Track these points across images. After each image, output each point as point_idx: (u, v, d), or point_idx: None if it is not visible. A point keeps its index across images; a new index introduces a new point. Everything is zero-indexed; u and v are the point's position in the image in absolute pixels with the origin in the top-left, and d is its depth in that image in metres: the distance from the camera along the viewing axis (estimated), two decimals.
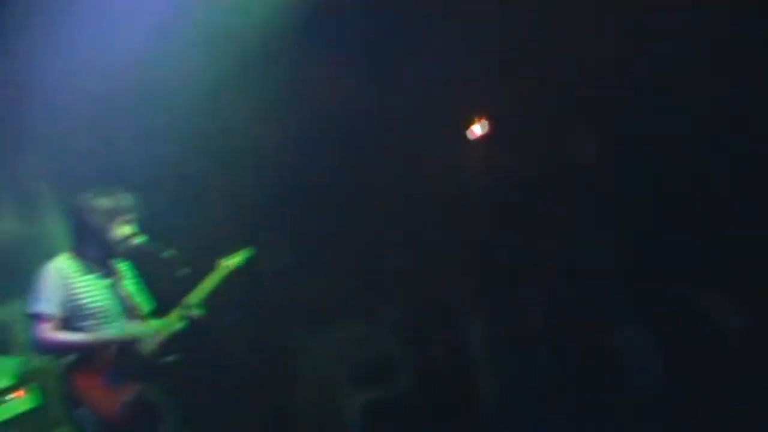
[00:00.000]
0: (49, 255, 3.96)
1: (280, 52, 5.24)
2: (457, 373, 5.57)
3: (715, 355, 4.57)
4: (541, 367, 5.31)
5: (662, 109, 4.79)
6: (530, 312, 5.52)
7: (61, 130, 5.08)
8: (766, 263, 4.43)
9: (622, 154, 5.15)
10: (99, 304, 3.90)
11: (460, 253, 5.65)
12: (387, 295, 5.82)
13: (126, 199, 3.96)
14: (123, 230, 3.94)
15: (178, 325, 3.99)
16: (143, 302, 4.13)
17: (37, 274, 3.84)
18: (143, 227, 3.97)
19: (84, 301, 3.86)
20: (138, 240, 3.96)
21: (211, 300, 4.08)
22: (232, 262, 4.27)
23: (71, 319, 3.82)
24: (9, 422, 4.67)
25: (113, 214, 3.92)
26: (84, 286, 3.88)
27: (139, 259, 4.12)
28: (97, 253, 3.96)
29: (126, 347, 3.88)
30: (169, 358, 3.96)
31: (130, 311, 4.02)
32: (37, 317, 3.74)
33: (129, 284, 4.10)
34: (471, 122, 5.89)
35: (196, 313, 4.01)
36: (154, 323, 4.02)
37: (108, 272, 4.01)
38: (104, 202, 3.91)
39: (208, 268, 4.18)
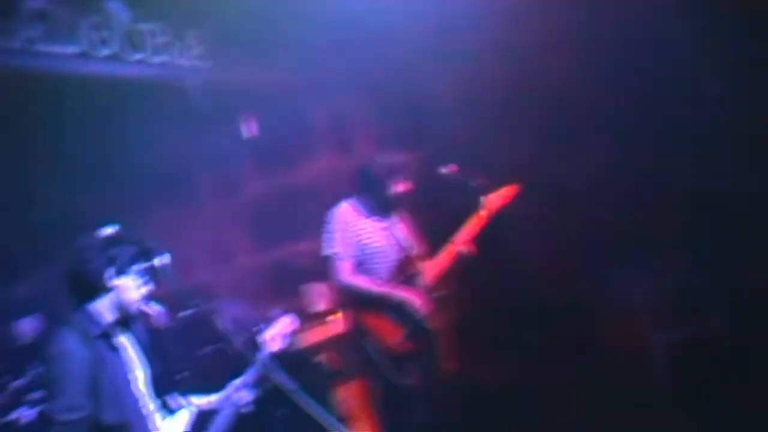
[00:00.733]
0: None
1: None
2: None
3: None
4: None
5: None
6: None
7: None
8: None
9: None
10: (378, 244, 4.44)
11: None
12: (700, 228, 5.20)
13: (403, 160, 4.48)
14: (401, 186, 4.41)
15: (451, 262, 4.36)
16: (416, 243, 4.55)
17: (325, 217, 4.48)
18: None
19: (365, 242, 4.43)
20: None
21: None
22: (500, 198, 4.43)
23: (359, 257, 4.41)
24: (328, 342, 5.34)
25: (391, 172, 4.40)
26: (364, 229, 4.43)
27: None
28: (376, 201, 4.48)
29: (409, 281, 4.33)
30: (443, 293, 4.39)
31: (405, 251, 4.47)
32: (333, 258, 4.37)
33: (403, 227, 4.55)
34: None
35: (465, 250, 4.30)
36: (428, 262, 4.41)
37: (385, 216, 4.52)
38: (386, 160, 4.46)
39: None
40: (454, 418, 4.62)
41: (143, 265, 3.17)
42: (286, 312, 3.62)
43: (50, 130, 5.09)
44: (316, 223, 4.57)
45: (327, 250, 4.45)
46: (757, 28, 4.68)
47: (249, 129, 5.81)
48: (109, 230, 2.93)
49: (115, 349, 3.14)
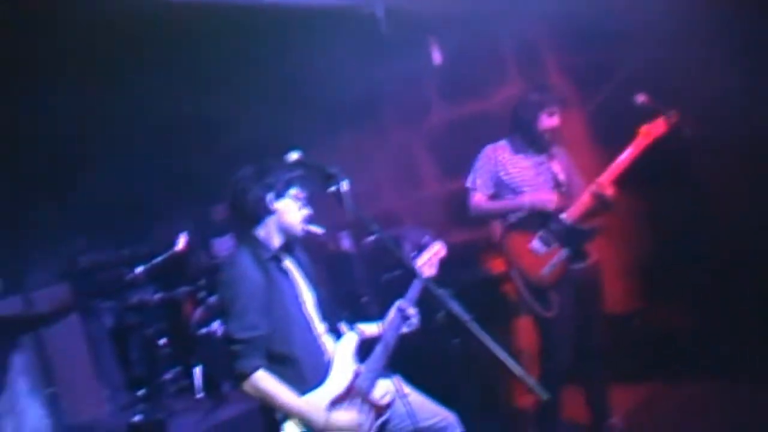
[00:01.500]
0: None
1: None
2: None
3: None
4: None
5: None
6: None
7: None
8: None
9: None
10: (522, 181, 4.46)
11: None
12: None
13: (552, 93, 4.43)
14: (550, 121, 4.40)
15: (592, 202, 4.27)
16: (574, 180, 4.53)
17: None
18: None
19: (508, 178, 4.47)
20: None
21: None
22: (655, 129, 4.20)
23: (501, 192, 4.50)
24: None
25: (539, 108, 4.37)
26: (511, 166, 4.47)
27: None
28: (526, 138, 4.49)
29: (551, 216, 4.31)
30: (591, 227, 4.35)
31: (556, 188, 4.45)
32: (471, 190, 4.53)
33: (554, 165, 4.51)
34: None
35: (607, 191, 4.21)
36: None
37: (536, 153, 4.51)
38: (534, 96, 4.41)
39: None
40: (623, 356, 4.50)
41: (300, 189, 3.28)
42: (436, 238, 3.61)
43: (239, 59, 5.30)
44: None
45: (466, 183, 4.58)
46: None
47: (436, 56, 5.75)
48: (293, 155, 3.02)
49: (284, 272, 3.27)
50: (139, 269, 6.52)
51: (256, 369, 3.07)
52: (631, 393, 4.79)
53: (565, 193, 4.44)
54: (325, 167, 2.94)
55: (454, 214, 6.01)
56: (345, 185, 2.89)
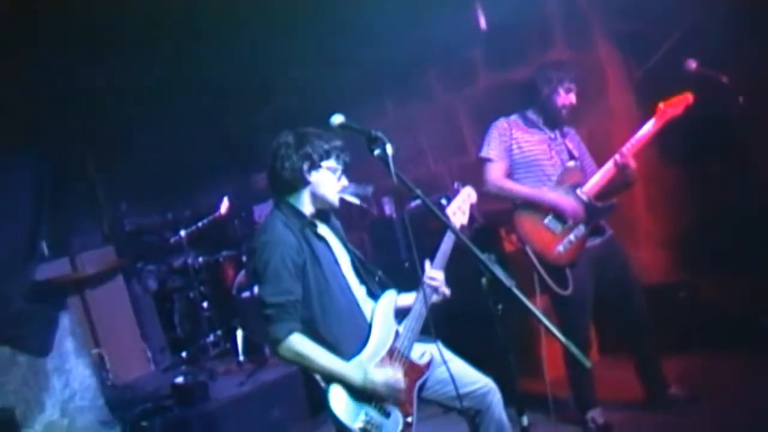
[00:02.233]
0: None
1: None
2: None
3: None
4: None
5: None
6: None
7: None
8: None
9: None
10: (535, 155, 4.35)
11: None
12: None
13: (572, 72, 4.31)
14: (567, 97, 4.29)
15: (614, 175, 4.21)
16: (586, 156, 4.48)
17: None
18: None
19: (523, 152, 4.36)
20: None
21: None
22: (673, 106, 4.15)
23: (513, 167, 4.38)
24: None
25: (558, 83, 4.27)
26: (524, 141, 4.37)
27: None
28: (541, 114, 4.41)
29: (568, 192, 4.23)
30: (609, 203, 4.28)
31: (568, 164, 4.35)
32: (484, 160, 4.39)
33: (569, 143, 4.43)
34: None
35: (631, 163, 4.16)
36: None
37: (551, 129, 4.42)
38: (552, 71, 4.32)
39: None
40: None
41: (336, 160, 3.28)
42: (464, 184, 3.55)
43: (282, 23, 5.27)
44: None
45: (477, 153, 4.45)
46: None
47: (482, 21, 5.66)
48: (337, 118, 3.00)
49: (320, 238, 3.28)
50: (183, 233, 6.62)
51: (290, 333, 3.09)
52: (680, 364, 4.71)
53: (579, 168, 4.36)
54: (369, 130, 2.91)
55: None
56: (389, 149, 2.87)
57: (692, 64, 4.20)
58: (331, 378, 3.08)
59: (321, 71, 6.12)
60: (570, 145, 4.44)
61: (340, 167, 3.31)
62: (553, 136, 4.42)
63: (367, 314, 3.28)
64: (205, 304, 6.73)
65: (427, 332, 3.26)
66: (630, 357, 4.49)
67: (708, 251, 5.03)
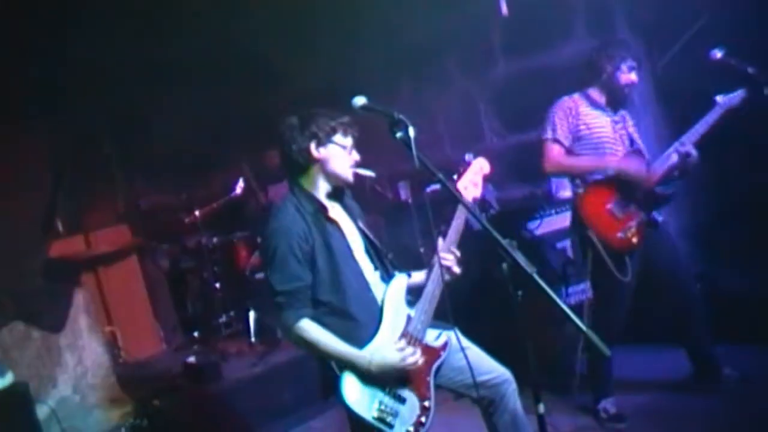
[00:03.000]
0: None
1: None
2: None
3: None
4: None
5: None
6: None
7: None
8: None
9: None
10: (602, 136, 4.28)
11: None
12: None
13: (632, 49, 4.25)
14: (629, 76, 4.22)
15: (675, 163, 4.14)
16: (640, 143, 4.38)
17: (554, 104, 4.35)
18: None
19: (589, 132, 4.28)
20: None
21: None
22: (731, 99, 4.11)
23: (577, 147, 4.30)
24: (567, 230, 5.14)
25: (621, 60, 4.20)
26: (591, 120, 4.28)
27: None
28: (604, 93, 4.33)
29: (630, 179, 4.16)
30: (669, 191, 4.24)
31: (631, 149, 4.30)
32: (546, 141, 4.31)
33: (630, 124, 4.40)
34: None
35: (691, 152, 4.09)
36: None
37: (614, 110, 4.35)
38: (614, 49, 4.24)
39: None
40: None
41: (344, 135, 3.25)
42: (476, 155, 3.48)
43: (300, 3, 5.24)
44: None
45: (543, 134, 4.33)
46: None
47: (504, 6, 5.61)
48: (359, 100, 2.98)
49: (331, 222, 3.25)
50: (197, 213, 6.62)
51: (299, 319, 3.09)
52: None
53: (641, 153, 4.28)
54: (392, 112, 2.88)
55: (514, 168, 5.94)
56: (412, 131, 2.84)
57: (717, 54, 4.13)
58: (342, 364, 3.06)
59: (337, 53, 6.09)
60: (631, 129, 4.39)
61: (349, 142, 3.28)
62: (617, 119, 4.35)
63: (380, 299, 3.25)
64: (217, 285, 6.73)
65: (444, 319, 3.24)
66: (683, 343, 4.46)
67: (726, 242, 4.99)
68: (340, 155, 3.25)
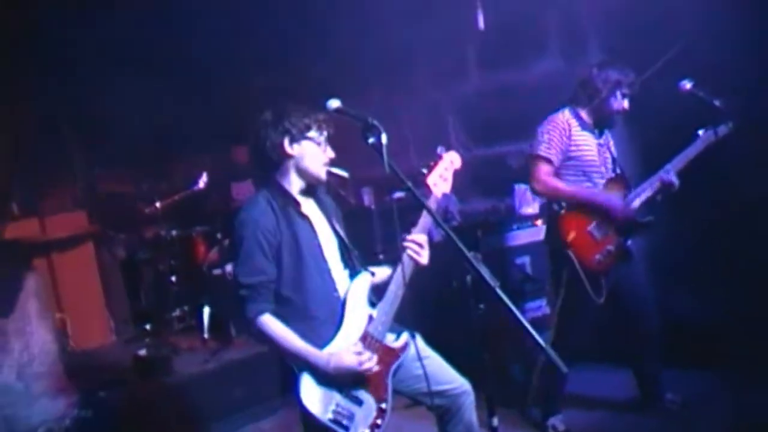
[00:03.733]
0: None
1: None
2: None
3: None
4: None
5: None
6: None
7: None
8: None
9: None
10: (591, 158, 4.27)
11: None
12: None
13: (630, 76, 4.18)
14: (622, 103, 4.21)
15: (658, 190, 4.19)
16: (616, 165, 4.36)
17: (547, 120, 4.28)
18: None
19: (579, 153, 4.26)
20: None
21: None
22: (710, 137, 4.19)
23: (563, 167, 4.27)
24: (533, 246, 5.24)
25: (617, 86, 4.17)
26: (581, 141, 4.25)
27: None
28: (593, 115, 4.29)
29: (610, 213, 4.16)
30: (647, 219, 4.22)
31: (614, 171, 4.31)
32: (538, 158, 4.24)
33: (612, 144, 4.39)
34: None
35: (674, 181, 4.14)
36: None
37: (600, 132, 4.33)
38: (614, 72, 4.19)
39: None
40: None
41: (319, 132, 3.24)
42: (448, 149, 3.44)
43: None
44: (533, 125, 4.34)
45: (535, 150, 4.26)
46: None
47: (480, 20, 5.66)
48: (334, 103, 2.97)
49: (303, 217, 3.24)
50: (158, 204, 6.53)
51: (260, 313, 3.07)
52: None
53: (624, 178, 4.31)
54: (366, 117, 2.88)
55: (478, 181, 5.97)
56: (384, 138, 2.84)
57: (686, 85, 4.20)
58: (298, 362, 3.04)
59: (308, 52, 6.07)
60: (613, 150, 4.39)
61: (323, 139, 3.26)
62: (601, 141, 4.33)
63: (343, 292, 3.23)
64: (173, 278, 6.65)
65: (405, 325, 3.24)
66: (631, 364, 4.53)
67: (679, 266, 5.07)
68: (313, 152, 3.22)
